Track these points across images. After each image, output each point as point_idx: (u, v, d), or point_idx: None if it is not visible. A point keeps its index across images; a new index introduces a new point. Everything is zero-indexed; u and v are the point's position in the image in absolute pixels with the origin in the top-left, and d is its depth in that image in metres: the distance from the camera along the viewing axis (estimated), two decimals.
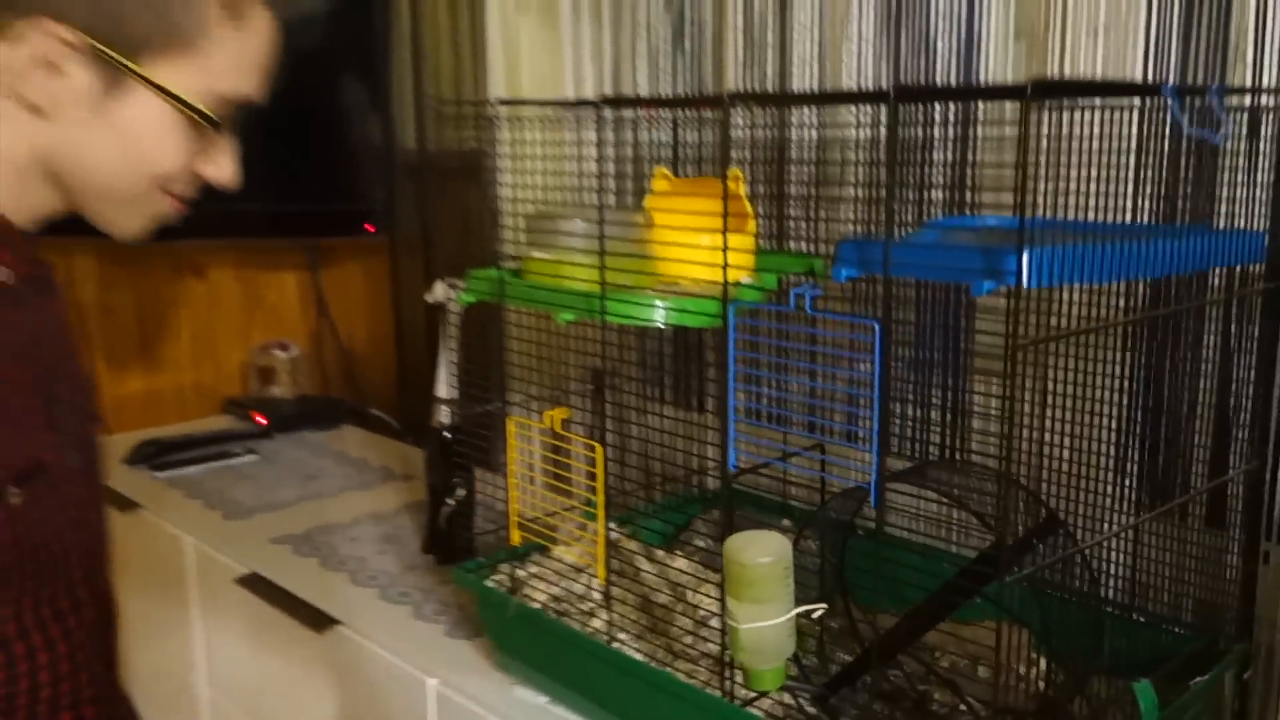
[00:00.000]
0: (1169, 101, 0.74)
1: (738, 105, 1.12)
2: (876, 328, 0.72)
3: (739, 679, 0.90)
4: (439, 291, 1.44)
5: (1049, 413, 1.14)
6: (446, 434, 1.48)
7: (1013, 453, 1.07)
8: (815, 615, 0.81)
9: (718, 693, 0.94)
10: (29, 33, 0.74)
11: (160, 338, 2.23)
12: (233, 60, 0.79)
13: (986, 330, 1.15)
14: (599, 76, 1.54)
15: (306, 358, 2.32)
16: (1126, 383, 1.09)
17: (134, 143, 0.79)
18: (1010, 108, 1.13)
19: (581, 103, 0.94)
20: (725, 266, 0.84)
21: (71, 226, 0.88)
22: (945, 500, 1.10)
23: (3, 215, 0.81)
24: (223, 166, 0.84)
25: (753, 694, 0.93)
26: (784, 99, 1.22)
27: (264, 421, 2.12)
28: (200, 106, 0.79)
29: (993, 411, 1.20)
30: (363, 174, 2.10)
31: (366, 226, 2.13)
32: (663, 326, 0.92)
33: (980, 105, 1.13)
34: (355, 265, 2.33)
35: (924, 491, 1.21)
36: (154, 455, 1.94)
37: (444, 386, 1.47)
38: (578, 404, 1.54)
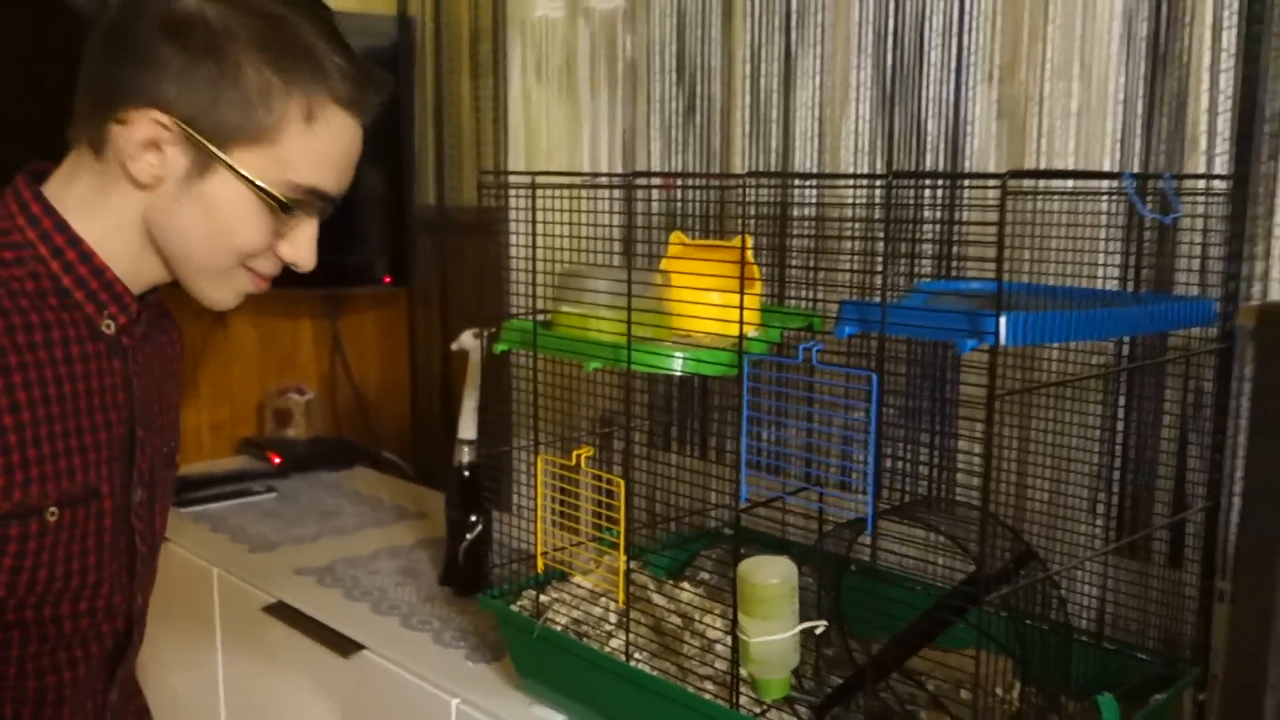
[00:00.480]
0: (1128, 187, 0.86)
1: (750, 180, 1.24)
2: (874, 379, 0.83)
3: (745, 691, 1.00)
4: (465, 340, 1.56)
5: (1028, 457, 1.25)
6: (466, 473, 1.58)
7: (993, 493, 1.18)
8: (818, 631, 0.91)
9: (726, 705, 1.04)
10: (140, 119, 0.88)
11: (179, 381, 2.33)
12: (306, 155, 0.92)
13: (970, 382, 1.27)
14: (613, 147, 1.67)
15: (319, 401, 2.42)
16: (1098, 430, 1.21)
17: (216, 217, 0.92)
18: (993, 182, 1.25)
19: (616, 175, 1.06)
20: (742, 323, 0.95)
21: None
22: (933, 532, 1.21)
23: (118, 278, 0.93)
24: (299, 249, 0.96)
25: (757, 710, 1.03)
26: (794, 175, 1.34)
27: (279, 461, 2.22)
28: (274, 192, 0.91)
29: (976, 456, 1.31)
30: (383, 230, 2.21)
31: (385, 279, 2.24)
32: (679, 374, 1.03)
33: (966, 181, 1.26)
34: (369, 315, 2.44)
35: (913, 531, 1.32)
36: (178, 491, 2.03)
37: (467, 428, 1.58)
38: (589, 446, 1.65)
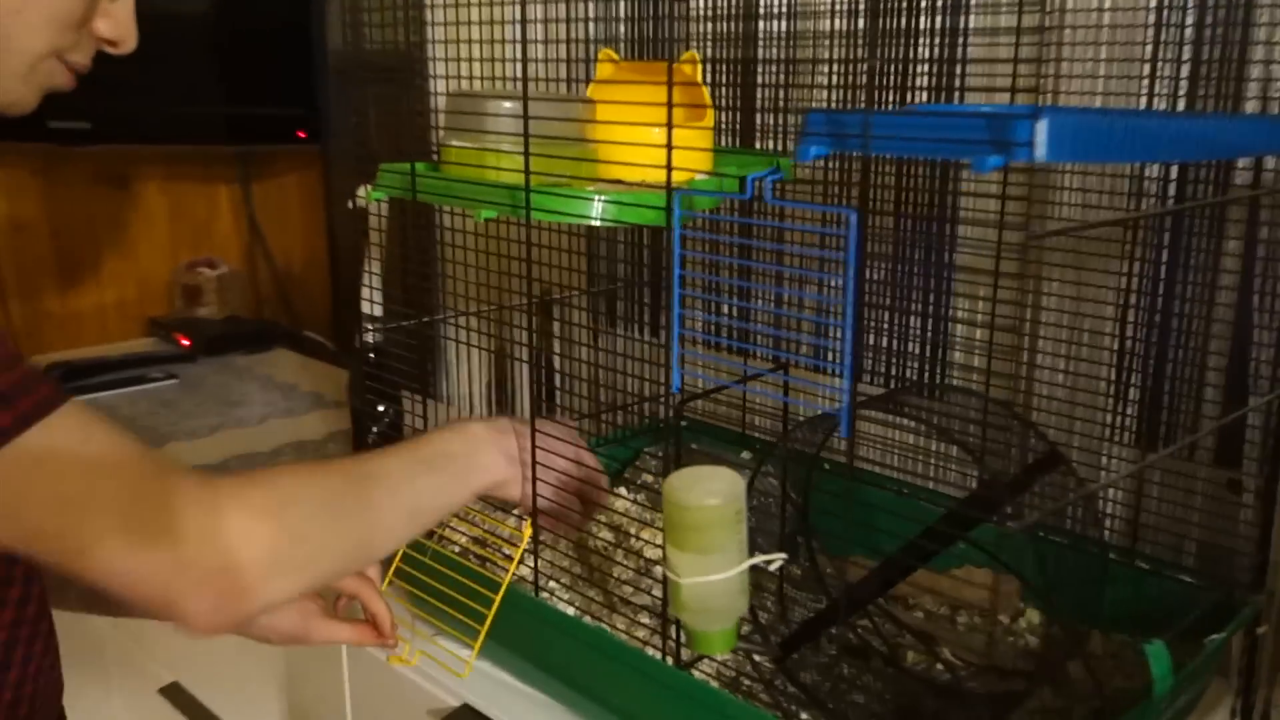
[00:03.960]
0: None
1: None
2: (853, 218, 0.58)
3: (684, 637, 0.78)
4: (364, 195, 1.29)
5: (1040, 330, 1.01)
6: (372, 355, 1.34)
7: (1008, 375, 0.94)
8: (774, 567, 0.68)
9: (657, 652, 0.81)
10: None
11: (78, 254, 2.06)
12: None
13: (972, 238, 1.01)
14: None
15: (237, 276, 2.16)
16: (1133, 296, 0.96)
17: None
18: None
19: None
20: (670, 146, 0.69)
21: None
22: (925, 430, 0.97)
23: None
24: (121, 24, 0.75)
25: (698, 662, 0.81)
26: None
27: (187, 343, 1.97)
28: None
29: (978, 334, 1.07)
30: (292, 78, 1.92)
31: (298, 133, 1.96)
32: (597, 223, 0.78)
33: None
34: (290, 178, 2.16)
35: (900, 421, 1.08)
36: (63, 379, 1.78)
37: (369, 302, 1.32)
38: (520, 322, 1.40)
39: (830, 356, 1.11)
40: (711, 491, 0.64)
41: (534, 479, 0.83)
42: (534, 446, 0.82)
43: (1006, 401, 0.78)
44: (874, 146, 0.56)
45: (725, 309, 0.74)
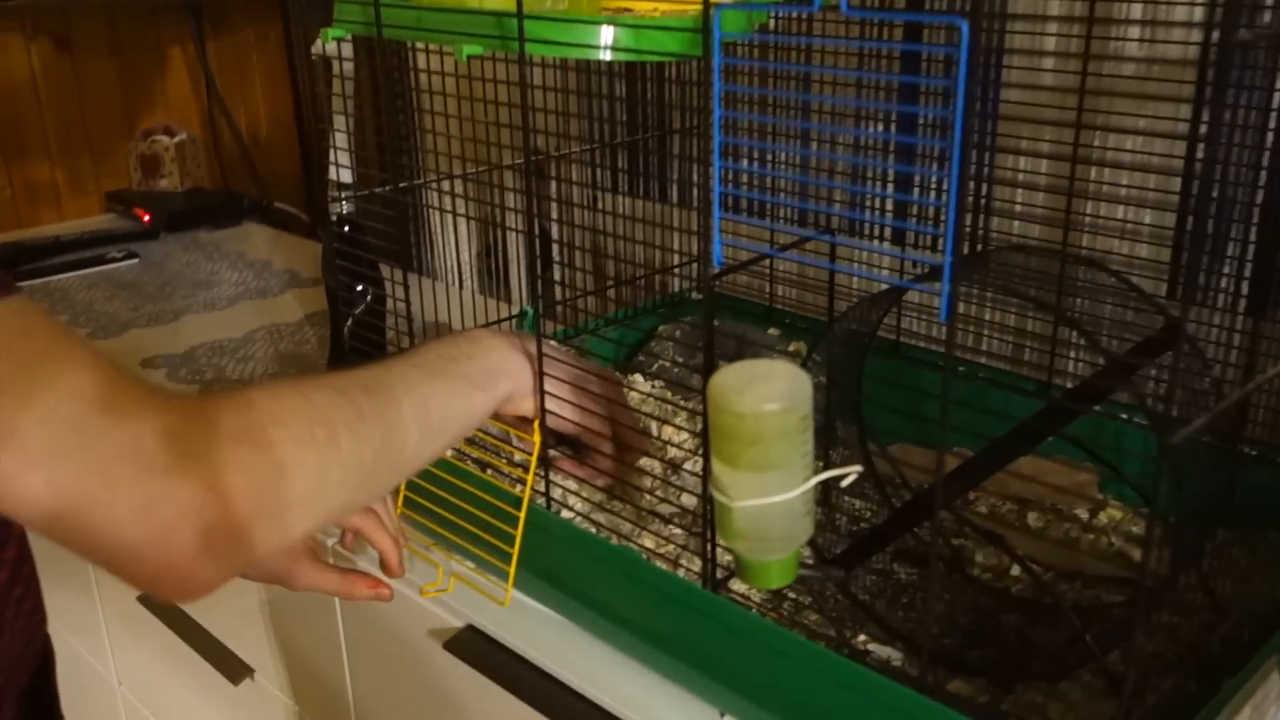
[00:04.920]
0: None
1: None
2: (964, 28, 0.43)
3: (727, 558, 0.65)
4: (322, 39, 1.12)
5: (1092, 173, 0.86)
6: (345, 226, 1.18)
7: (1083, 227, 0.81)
8: (846, 482, 0.55)
9: (688, 572, 0.69)
10: None
11: (21, 123, 1.88)
12: None
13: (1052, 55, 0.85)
14: None
15: (198, 144, 1.98)
16: (1237, 133, 0.81)
17: None
18: None
19: None
20: None
21: None
22: (1031, 306, 0.83)
23: None
24: None
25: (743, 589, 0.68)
26: None
27: (148, 219, 1.81)
28: None
29: (1041, 179, 0.92)
30: None
31: None
32: (608, 57, 0.62)
33: None
34: (248, 33, 1.96)
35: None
36: (13, 261, 1.63)
37: (336, 166, 1.16)
38: (511, 185, 1.25)
39: (870, 209, 0.96)
40: (771, 394, 0.51)
41: (539, 370, 0.70)
42: (539, 334, 0.68)
43: (1117, 271, 0.64)
44: None
45: (767, 159, 0.59)
